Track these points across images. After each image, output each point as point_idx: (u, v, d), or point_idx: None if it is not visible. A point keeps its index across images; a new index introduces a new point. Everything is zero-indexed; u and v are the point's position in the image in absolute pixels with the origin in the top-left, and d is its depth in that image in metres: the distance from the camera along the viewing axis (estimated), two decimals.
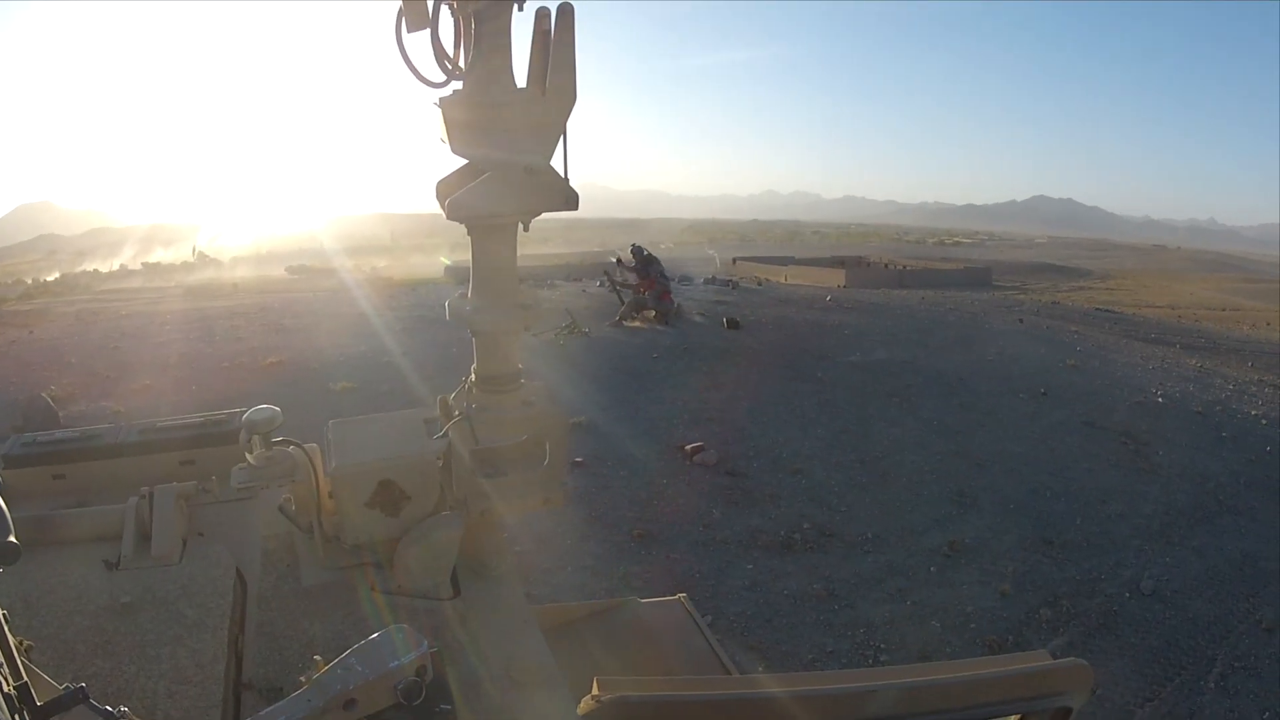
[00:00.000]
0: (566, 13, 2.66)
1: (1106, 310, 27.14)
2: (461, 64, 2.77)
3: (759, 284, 29.75)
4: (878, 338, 18.20)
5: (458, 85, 2.79)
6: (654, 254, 20.10)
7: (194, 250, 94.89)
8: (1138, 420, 13.79)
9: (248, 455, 3.12)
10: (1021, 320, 21.46)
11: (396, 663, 1.94)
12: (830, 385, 14.65)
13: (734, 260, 52.48)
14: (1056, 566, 9.51)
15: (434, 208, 2.93)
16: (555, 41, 2.68)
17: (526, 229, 3.00)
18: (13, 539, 1.60)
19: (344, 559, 3.16)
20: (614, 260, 22.91)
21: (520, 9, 2.71)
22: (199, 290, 36.57)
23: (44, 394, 12.83)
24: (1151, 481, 11.76)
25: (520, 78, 2.77)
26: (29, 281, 65.03)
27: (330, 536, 3.18)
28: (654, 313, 18.73)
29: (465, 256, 3.09)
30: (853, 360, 16.18)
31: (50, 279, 68.72)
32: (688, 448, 11.47)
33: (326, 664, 1.96)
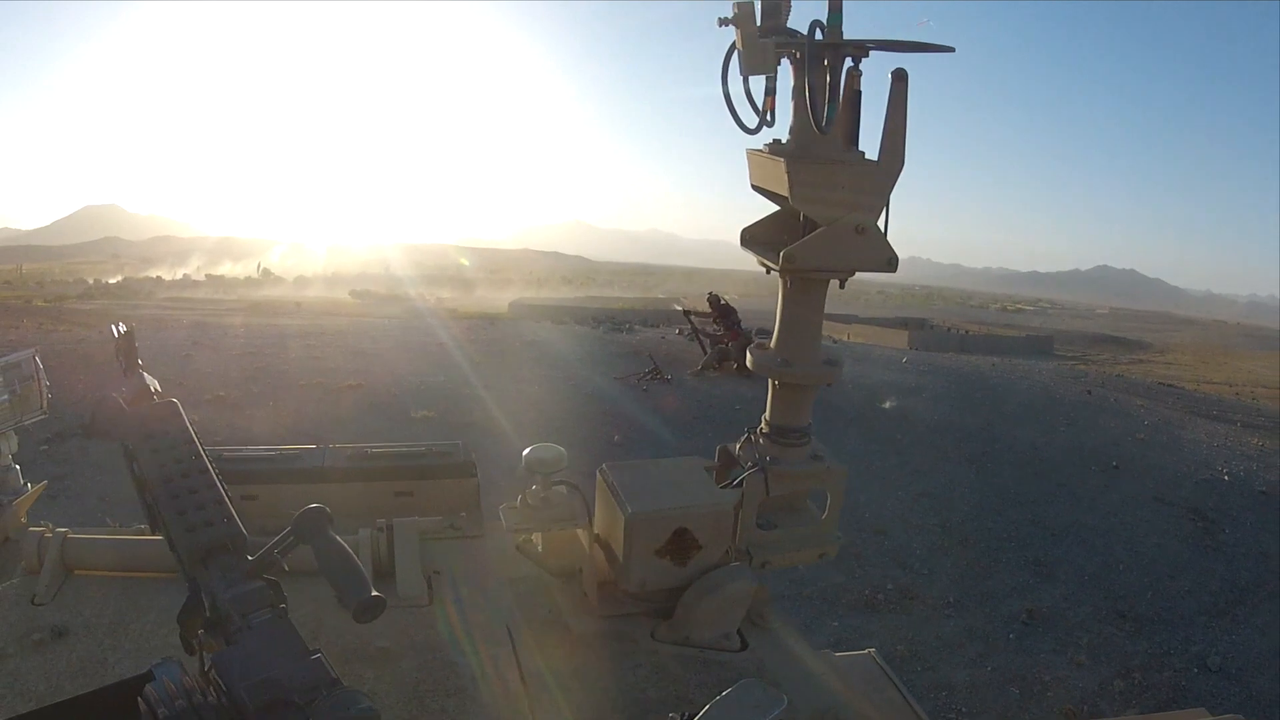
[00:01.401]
0: (902, 78, 2.73)
1: (1168, 385, 26.78)
2: (770, 114, 2.86)
3: (834, 341, 29.67)
4: (953, 402, 18.08)
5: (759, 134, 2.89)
6: (731, 304, 20.03)
7: (259, 267, 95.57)
8: (1204, 497, 13.61)
9: (523, 495, 3.13)
10: (1090, 392, 21.25)
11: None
12: (909, 447, 14.61)
13: None
14: (1128, 639, 9.44)
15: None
16: (891, 106, 2.74)
17: (843, 287, 3.06)
18: (375, 593, 1.67)
19: (617, 607, 3.09)
20: (679, 308, 22.89)
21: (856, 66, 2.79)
22: (263, 306, 36.75)
23: (114, 394, 12.71)
24: (1217, 559, 11.62)
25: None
26: (91, 282, 65.83)
27: (602, 582, 3.14)
28: (735, 364, 18.54)
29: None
30: (931, 423, 16.12)
31: (113, 281, 69.51)
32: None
33: None
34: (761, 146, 3.02)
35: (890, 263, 2.91)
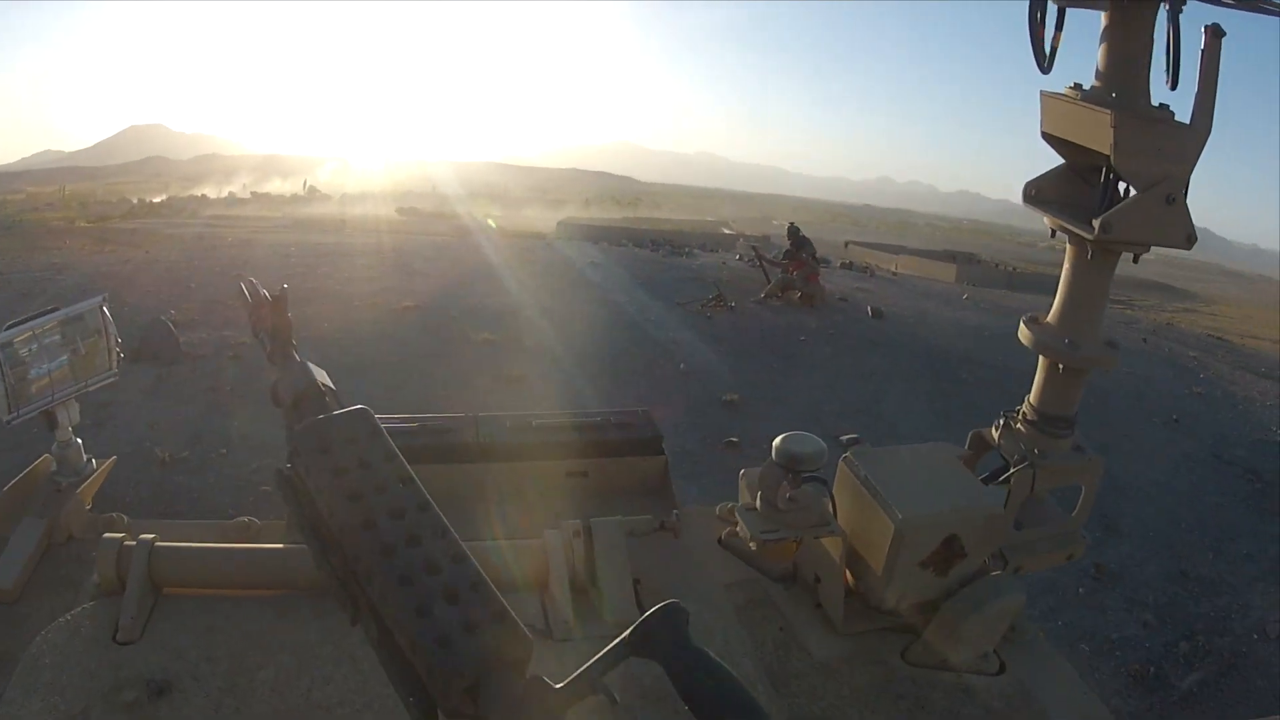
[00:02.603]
0: (1219, 34, 2.33)
1: (1218, 337, 26.27)
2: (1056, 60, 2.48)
3: (893, 274, 29.29)
4: (1015, 344, 17.23)
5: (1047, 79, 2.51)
6: (807, 236, 19.66)
7: (305, 184, 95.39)
8: (1261, 458, 13.23)
9: (766, 493, 2.56)
10: (1145, 340, 20.86)
11: None
12: (974, 388, 14.25)
13: (846, 244, 51.67)
14: (1193, 600, 9.16)
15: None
16: (1206, 64, 2.35)
17: (1136, 261, 2.63)
18: None
19: (863, 623, 2.60)
20: (727, 232, 22.59)
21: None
22: (309, 224, 36.57)
23: (164, 318, 12.59)
24: (1275, 523, 11.28)
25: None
26: (135, 201, 65.78)
27: (849, 594, 2.63)
28: (799, 294, 18.31)
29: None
30: (995, 364, 15.72)
31: (157, 200, 69.54)
32: (843, 439, 11.15)
33: None
34: (1064, 90, 2.58)
35: (1189, 239, 2.49)
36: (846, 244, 51.55)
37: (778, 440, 2.55)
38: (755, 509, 2.58)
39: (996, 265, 49.67)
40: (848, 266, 28.63)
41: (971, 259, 51.66)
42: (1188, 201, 2.41)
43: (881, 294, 21.14)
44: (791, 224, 20.34)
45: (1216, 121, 2.34)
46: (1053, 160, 2.65)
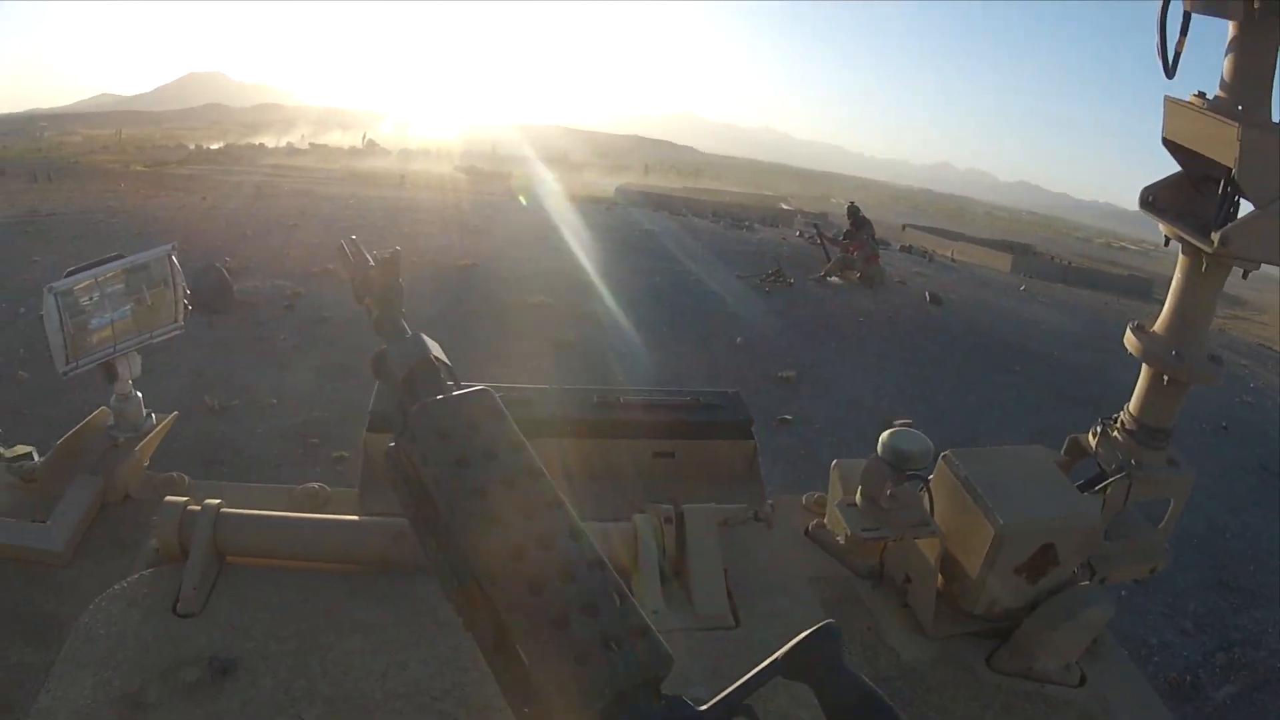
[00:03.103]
0: None
1: (1266, 347, 25.91)
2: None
3: (952, 261, 29.07)
4: (1071, 338, 17.37)
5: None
6: (867, 217, 19.51)
7: (364, 137, 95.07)
8: None
9: (868, 490, 2.47)
10: None
11: None
12: (1029, 381, 14.09)
13: (904, 227, 51.27)
14: (1232, 611, 9.03)
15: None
16: None
17: (1245, 277, 2.55)
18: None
19: (952, 627, 2.52)
20: (786, 207, 22.37)
21: None
22: (366, 177, 36.48)
23: (218, 265, 12.52)
24: None
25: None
26: (191, 147, 65.75)
27: (941, 595, 2.56)
28: (858, 274, 18.17)
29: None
30: (1049, 358, 15.49)
31: (215, 147, 69.60)
32: (896, 422, 11.00)
33: None
34: (1189, 98, 2.49)
35: None
36: (904, 227, 51.19)
37: (885, 435, 2.45)
38: (855, 504, 2.50)
39: (1052, 258, 49.13)
40: (907, 250, 28.44)
41: (1028, 250, 51.12)
42: None
43: (939, 280, 20.96)
44: (851, 204, 20.21)
45: None
46: (1126, 170, 2.56)
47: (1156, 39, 2.39)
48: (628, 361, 11.12)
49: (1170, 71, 2.43)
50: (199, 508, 2.19)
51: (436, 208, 21.75)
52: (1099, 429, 2.82)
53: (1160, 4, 2.36)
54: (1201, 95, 2.46)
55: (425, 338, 1.42)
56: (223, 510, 2.19)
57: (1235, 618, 8.95)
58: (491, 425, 1.20)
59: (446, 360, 1.41)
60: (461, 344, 11.43)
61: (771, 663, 1.10)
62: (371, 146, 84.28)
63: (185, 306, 2.77)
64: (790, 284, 17.04)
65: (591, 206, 27.05)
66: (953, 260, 29.66)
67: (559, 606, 1.03)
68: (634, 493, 2.59)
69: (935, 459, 2.58)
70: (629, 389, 3.06)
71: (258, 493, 2.64)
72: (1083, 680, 2.51)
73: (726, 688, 1.09)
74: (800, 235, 22.93)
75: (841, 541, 2.50)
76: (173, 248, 2.72)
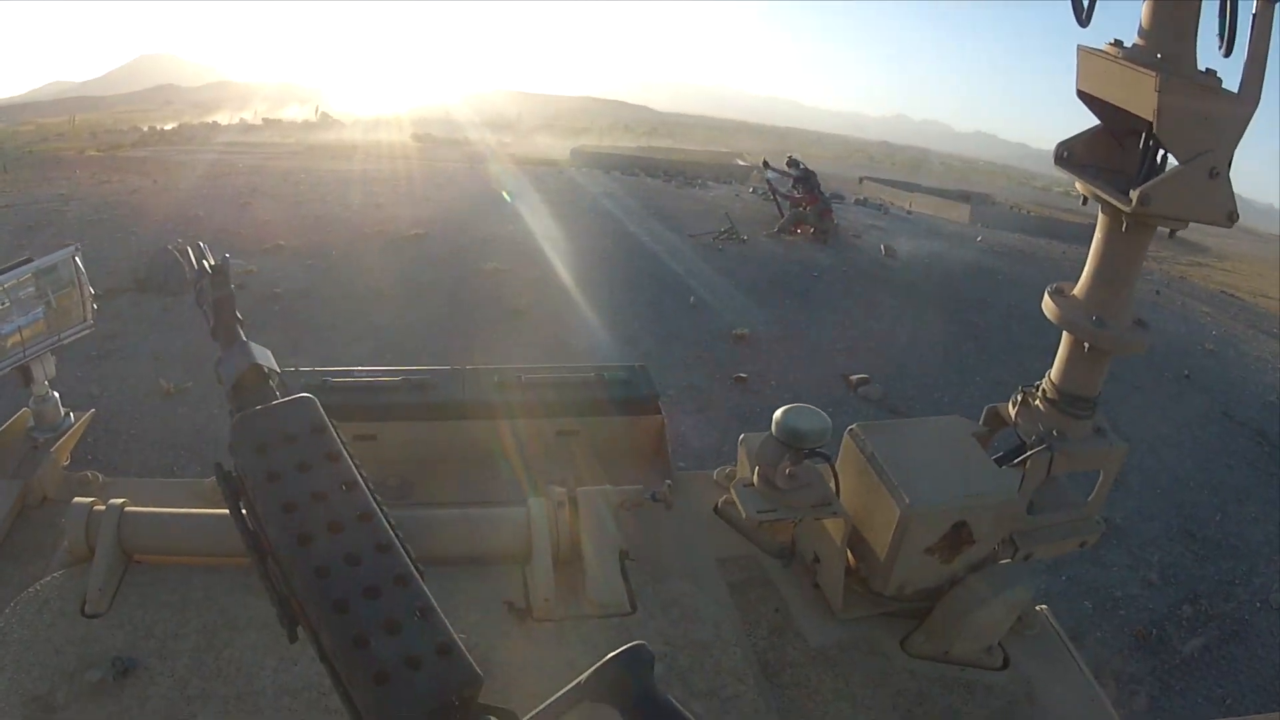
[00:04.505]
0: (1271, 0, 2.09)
1: (1229, 294, 26.16)
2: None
3: (909, 212, 29.12)
4: (1030, 288, 17.00)
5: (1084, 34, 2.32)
6: (810, 168, 19.40)
7: (317, 110, 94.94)
8: (1271, 420, 13.14)
9: (764, 470, 2.39)
10: (1158, 293, 20.68)
11: None
12: (987, 332, 14.12)
13: (861, 179, 51.44)
14: (1197, 563, 9.15)
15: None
16: (1258, 30, 2.11)
17: (1172, 235, 2.51)
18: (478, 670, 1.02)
19: (862, 609, 2.44)
20: (741, 163, 22.34)
21: None
22: (320, 149, 36.58)
23: (170, 247, 12.43)
24: None
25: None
26: (145, 129, 65.59)
27: (849, 576, 2.47)
28: (812, 229, 18.08)
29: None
30: (1005, 308, 15.52)
31: (168, 128, 69.30)
32: (852, 379, 11.05)
33: None
34: (1104, 46, 2.37)
35: (1230, 217, 2.26)
36: (861, 180, 51.33)
37: (779, 413, 2.38)
38: (753, 485, 2.42)
39: (1010, 207, 49.42)
40: (862, 203, 28.44)
41: (985, 200, 51.39)
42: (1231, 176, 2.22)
43: (895, 232, 20.97)
44: (790, 156, 20.16)
45: (1233, 62, 2.16)
46: (1084, 118, 2.47)
47: None
48: (581, 327, 11.09)
49: (1085, 19, 2.33)
50: (104, 508, 2.22)
51: (389, 178, 21.80)
52: (1019, 398, 2.68)
53: None
54: (1118, 44, 2.34)
55: (254, 345, 1.44)
56: (127, 509, 2.22)
57: (1201, 569, 9.05)
58: (307, 436, 1.19)
59: (276, 368, 1.43)
60: (412, 316, 11.34)
61: (575, 686, 1.05)
62: (325, 119, 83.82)
63: (93, 306, 2.81)
64: (744, 241, 16.98)
65: (545, 170, 27.05)
66: (909, 211, 29.75)
67: (361, 624, 1.01)
68: (536, 474, 2.56)
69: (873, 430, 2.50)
70: (532, 366, 3.04)
71: (169, 488, 2.68)
72: (1005, 663, 2.44)
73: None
74: (754, 191, 22.90)
75: (730, 516, 2.49)
76: (75, 248, 2.74)
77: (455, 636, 1.02)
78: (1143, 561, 8.84)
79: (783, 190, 19.23)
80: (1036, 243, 26.06)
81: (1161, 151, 2.34)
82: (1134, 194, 2.21)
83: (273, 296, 11.63)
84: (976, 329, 14.25)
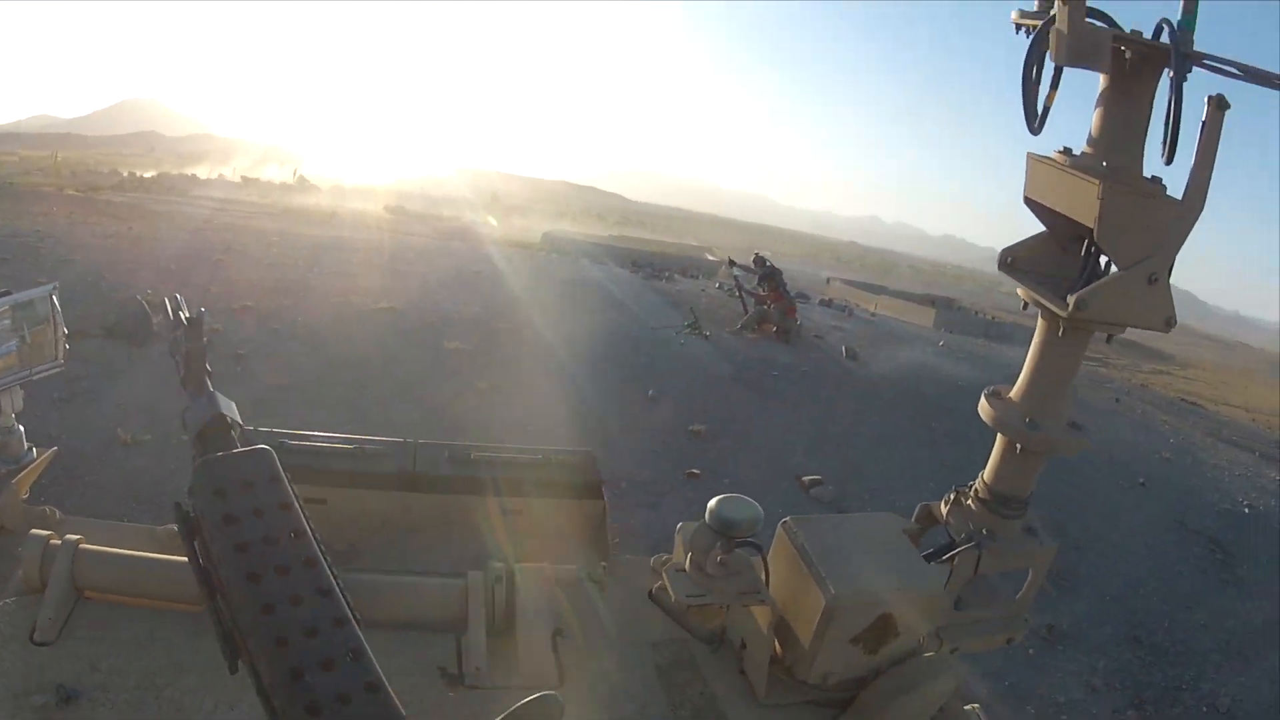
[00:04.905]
0: (1223, 107, 2.16)
1: (1190, 402, 26.39)
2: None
3: (872, 315, 29.33)
4: None
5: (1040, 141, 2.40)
6: (777, 265, 19.64)
7: (295, 173, 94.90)
8: (1225, 529, 13.30)
9: (696, 556, 2.52)
10: (1118, 400, 20.95)
11: None
12: (945, 437, 14.22)
13: (828, 279, 51.66)
14: (1144, 669, 9.24)
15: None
16: (1205, 138, 2.18)
17: (1109, 341, 2.55)
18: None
19: (786, 695, 2.52)
20: (710, 258, 22.47)
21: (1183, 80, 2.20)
22: (296, 213, 36.64)
23: (139, 297, 12.24)
24: (1234, 595, 11.36)
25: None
26: (125, 174, 65.68)
27: (775, 664, 2.54)
28: (775, 328, 18.25)
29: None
30: (966, 414, 15.55)
31: (148, 175, 69.38)
32: (805, 479, 11.15)
33: None
34: (1053, 154, 2.47)
35: (1168, 323, 2.39)
36: (828, 280, 51.56)
37: (712, 502, 2.52)
38: (685, 570, 2.54)
39: (976, 313, 49.57)
40: (826, 303, 28.68)
41: (950, 304, 51.66)
42: (1170, 282, 2.32)
43: (858, 334, 21.12)
44: (757, 254, 20.32)
45: (1216, 192, 2.21)
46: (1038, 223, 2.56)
47: (1022, 92, 2.36)
48: (541, 412, 11.14)
49: (1037, 127, 2.39)
50: (59, 542, 2.31)
51: (363, 247, 21.78)
52: (952, 497, 2.81)
53: (1026, 55, 2.33)
54: (1067, 151, 2.43)
55: (220, 396, 1.53)
56: (81, 546, 2.31)
57: (1148, 674, 9.14)
58: (263, 485, 1.26)
59: (239, 420, 1.52)
60: (376, 387, 11.38)
61: None
62: (303, 183, 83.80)
63: (65, 345, 2.82)
64: (706, 336, 17.09)
65: (517, 252, 27.17)
66: (873, 314, 29.97)
67: (299, 659, 1.09)
68: (480, 549, 2.63)
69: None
70: (483, 445, 3.13)
71: (123, 530, 2.70)
72: None
73: None
74: (720, 286, 23.03)
75: (664, 601, 2.54)
76: (54, 287, 2.79)
77: (383, 678, 1.11)
78: (1088, 667, 8.91)
79: (748, 287, 19.34)
80: (999, 349, 26.27)
81: (1104, 257, 2.44)
82: (1071, 299, 2.32)
83: (236, 357, 11.62)
84: (934, 433, 14.37)
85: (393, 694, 1.11)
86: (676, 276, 27.75)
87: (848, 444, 13.03)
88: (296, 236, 22.54)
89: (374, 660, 1.13)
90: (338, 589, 1.19)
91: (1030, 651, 8.90)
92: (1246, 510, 14.54)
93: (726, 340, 17.38)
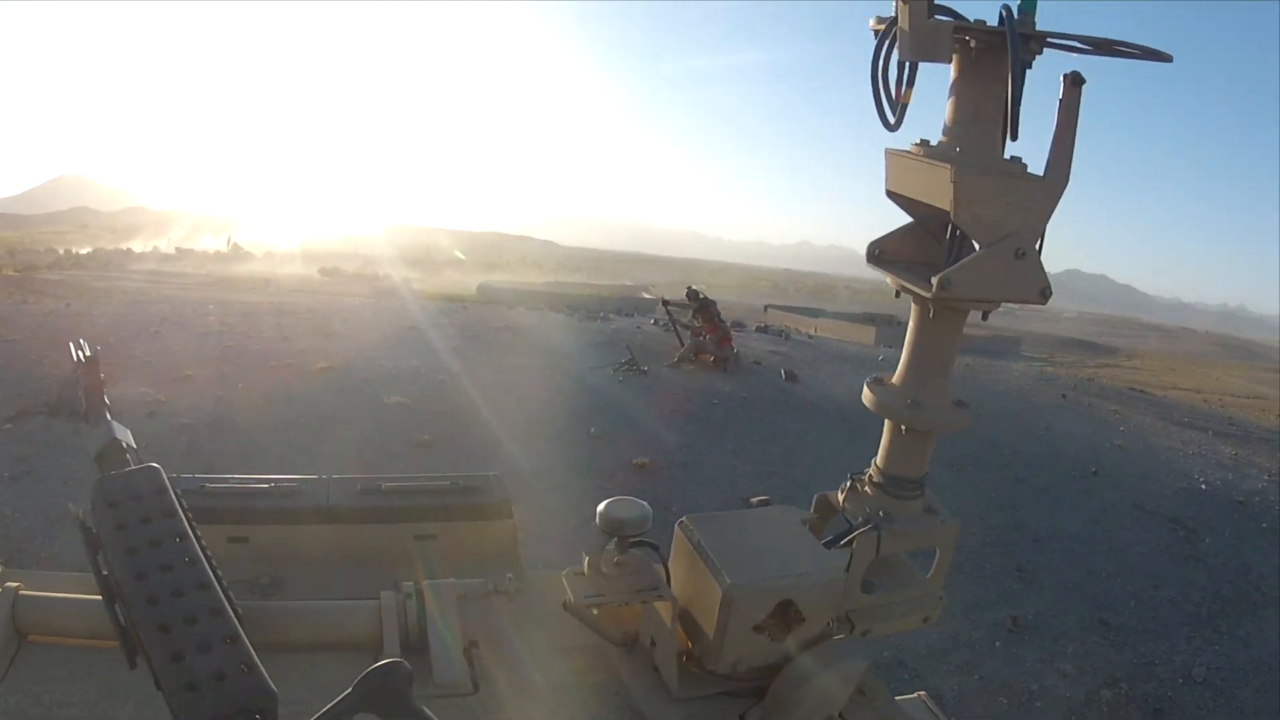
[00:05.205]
0: (1079, 83, 2.24)
1: (1139, 390, 26.75)
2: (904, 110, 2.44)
3: (810, 337, 29.54)
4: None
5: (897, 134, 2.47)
6: (709, 297, 19.73)
7: (229, 241, 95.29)
8: (1183, 507, 13.51)
9: (592, 559, 2.57)
10: (1064, 396, 21.18)
11: None
12: None
13: (765, 308, 52.18)
14: (1114, 649, 9.35)
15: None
16: (1063, 114, 2.26)
17: (985, 318, 2.59)
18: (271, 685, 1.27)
19: (698, 688, 2.53)
20: (647, 295, 22.60)
21: (1029, 68, 2.29)
22: (232, 282, 36.80)
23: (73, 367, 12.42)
24: (1198, 570, 11.54)
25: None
26: (61, 252, 65.89)
27: (680, 657, 2.57)
28: (712, 358, 18.39)
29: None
30: None
31: (83, 252, 69.58)
32: (752, 500, 11.09)
33: None
34: (909, 147, 2.52)
35: (1043, 294, 2.39)
36: (765, 308, 52.08)
37: (601, 506, 2.55)
38: (582, 573, 2.58)
39: None
40: (763, 330, 28.85)
41: (890, 321, 52.21)
42: (1042, 255, 2.35)
43: (796, 357, 21.26)
44: (690, 287, 20.42)
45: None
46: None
47: (872, 92, 2.44)
48: (484, 460, 11.14)
49: (895, 124, 2.47)
50: (1, 589, 2.38)
51: (299, 311, 21.80)
52: (848, 484, 2.84)
53: (872, 56, 2.42)
54: (924, 143, 2.51)
55: (116, 425, 1.76)
56: (21, 592, 2.38)
57: (1119, 654, 9.24)
58: (150, 496, 1.46)
59: (133, 445, 1.76)
60: (320, 448, 11.35)
61: (344, 697, 1.24)
62: (236, 250, 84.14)
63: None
64: (644, 372, 17.15)
65: (453, 306, 27.26)
66: (811, 337, 30.19)
67: (180, 643, 1.25)
68: (394, 574, 2.63)
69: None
70: (392, 476, 3.18)
71: (65, 579, 2.73)
72: None
73: None
74: (656, 323, 23.13)
75: (595, 613, 2.56)
76: None
77: (257, 661, 1.25)
78: (1057, 654, 8.99)
79: (683, 320, 19.46)
80: None
81: (967, 240, 2.46)
82: (934, 280, 2.35)
83: (181, 427, 11.57)
84: (874, 445, 14.22)
85: (265, 674, 1.25)
86: (611, 316, 27.92)
87: (792, 463, 13.15)
88: (233, 304, 22.64)
89: (249, 645, 1.28)
90: (217, 584, 1.36)
91: (997, 644, 8.96)
92: (1204, 487, 14.77)
93: (665, 374, 17.49)
